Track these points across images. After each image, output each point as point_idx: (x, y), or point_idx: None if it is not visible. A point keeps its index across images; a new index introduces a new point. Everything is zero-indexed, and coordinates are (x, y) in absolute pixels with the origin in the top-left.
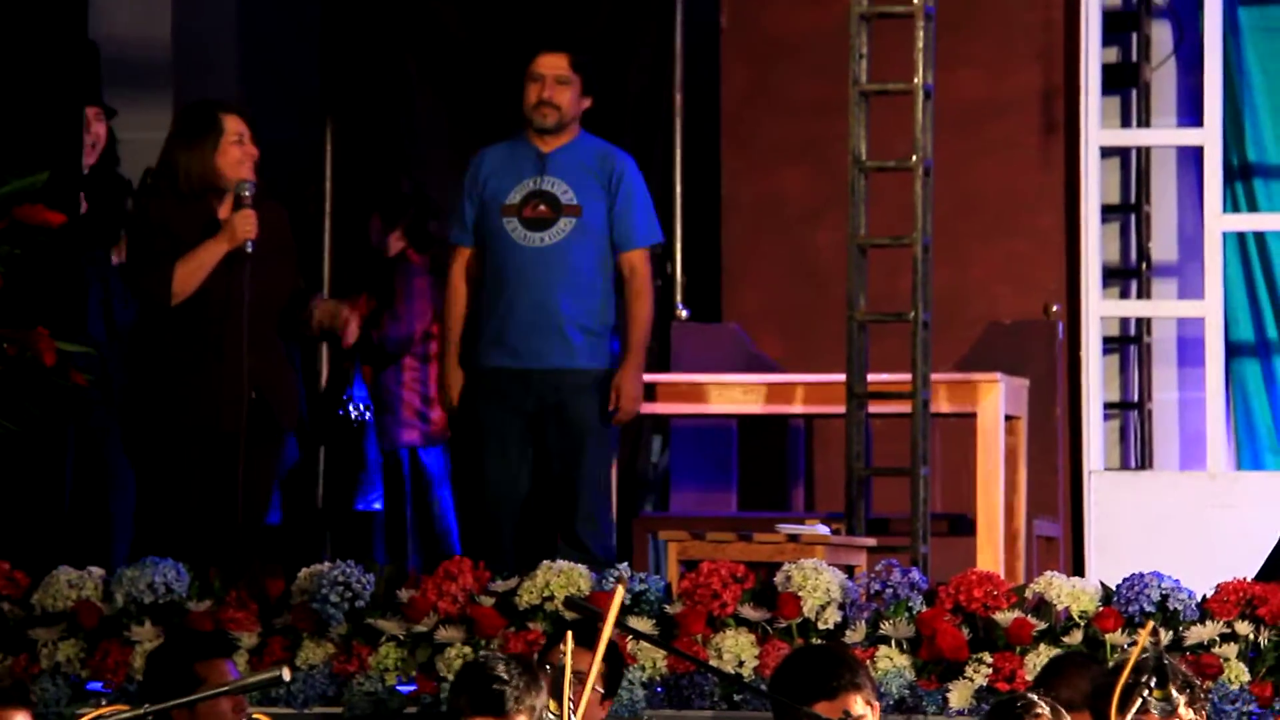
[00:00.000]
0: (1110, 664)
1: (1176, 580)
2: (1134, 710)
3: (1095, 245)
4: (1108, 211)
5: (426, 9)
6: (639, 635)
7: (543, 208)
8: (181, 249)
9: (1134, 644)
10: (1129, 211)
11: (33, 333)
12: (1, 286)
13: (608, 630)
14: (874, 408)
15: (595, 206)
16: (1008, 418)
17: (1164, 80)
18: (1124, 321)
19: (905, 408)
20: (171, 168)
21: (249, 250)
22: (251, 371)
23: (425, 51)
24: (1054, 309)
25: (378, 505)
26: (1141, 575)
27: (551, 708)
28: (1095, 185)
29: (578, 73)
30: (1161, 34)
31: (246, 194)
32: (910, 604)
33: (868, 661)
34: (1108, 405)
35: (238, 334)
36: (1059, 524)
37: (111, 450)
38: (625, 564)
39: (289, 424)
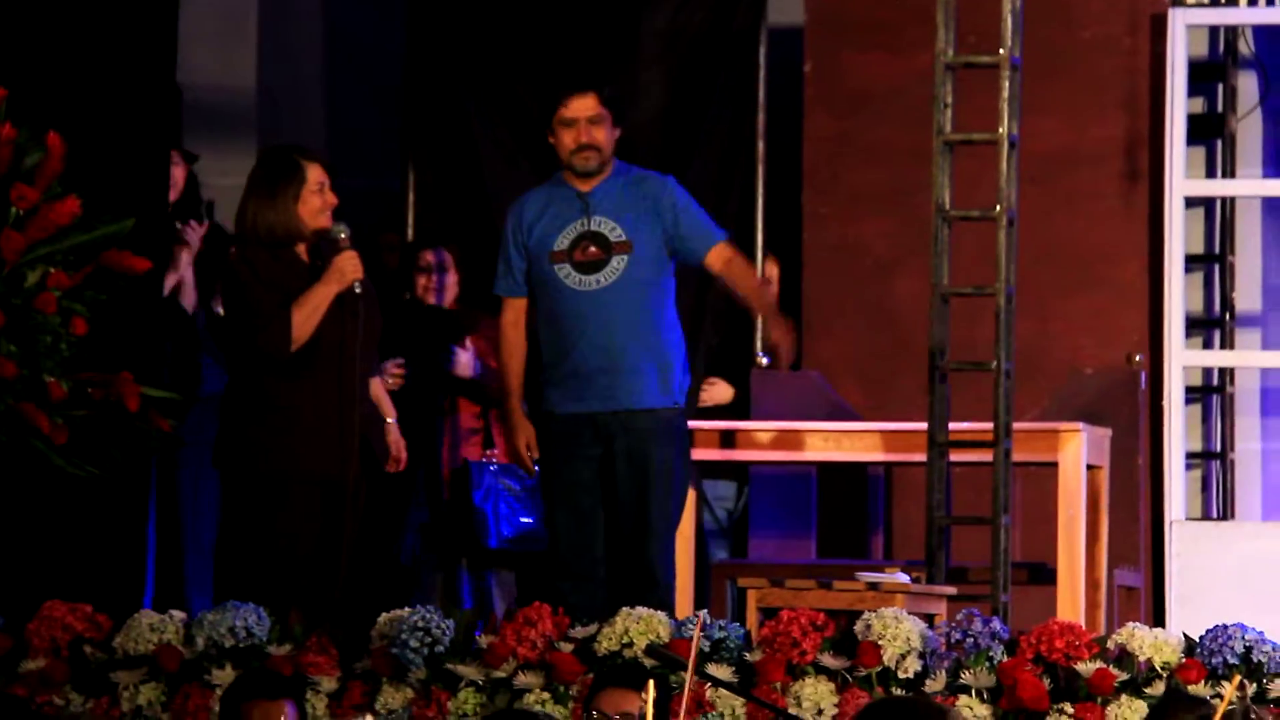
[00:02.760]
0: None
1: (1260, 632)
2: None
3: (1179, 295)
4: (1191, 261)
5: (489, 56)
6: (719, 683)
7: (593, 249)
8: (291, 298)
9: (1218, 696)
10: (1213, 261)
11: (117, 378)
12: (86, 332)
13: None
14: (955, 456)
15: (646, 237)
16: (1089, 467)
17: (1249, 131)
18: (1207, 371)
19: (986, 456)
20: (253, 216)
21: (357, 290)
22: (360, 417)
23: (488, 96)
24: (1137, 359)
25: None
26: (1225, 627)
27: None
28: (1179, 235)
29: (608, 108)
30: (1248, 85)
31: (344, 236)
32: (991, 653)
33: None
34: (1190, 455)
35: (351, 378)
36: (1140, 574)
37: (185, 493)
38: (704, 610)
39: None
